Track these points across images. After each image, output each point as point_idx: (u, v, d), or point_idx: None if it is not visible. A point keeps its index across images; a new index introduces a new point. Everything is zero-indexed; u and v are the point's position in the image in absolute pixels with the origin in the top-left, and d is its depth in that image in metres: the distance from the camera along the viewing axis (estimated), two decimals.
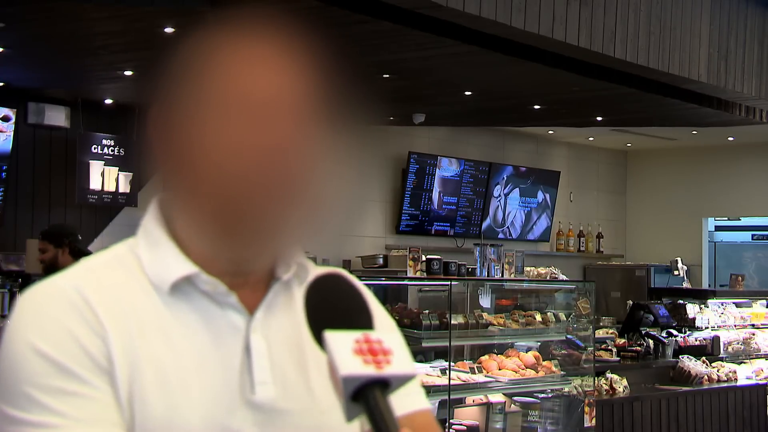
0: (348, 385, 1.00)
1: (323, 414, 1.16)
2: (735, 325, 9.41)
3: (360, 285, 1.18)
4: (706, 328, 9.17)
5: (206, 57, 1.14)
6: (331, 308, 1.08)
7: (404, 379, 1.02)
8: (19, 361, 1.08)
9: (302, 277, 1.24)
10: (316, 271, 1.25)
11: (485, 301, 7.19)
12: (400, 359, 1.02)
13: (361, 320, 1.07)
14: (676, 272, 12.18)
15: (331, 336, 1.02)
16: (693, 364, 8.50)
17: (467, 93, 8.42)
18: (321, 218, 1.16)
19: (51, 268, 6.02)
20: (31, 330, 1.10)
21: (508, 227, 11.98)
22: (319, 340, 1.05)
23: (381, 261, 8.46)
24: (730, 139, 12.37)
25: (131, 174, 8.70)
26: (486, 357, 6.80)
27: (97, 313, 1.11)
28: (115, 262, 1.19)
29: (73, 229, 6.44)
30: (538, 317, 7.02)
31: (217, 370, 1.16)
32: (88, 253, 6.12)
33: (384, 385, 1.00)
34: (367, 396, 1.00)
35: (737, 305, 9.69)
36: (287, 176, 1.12)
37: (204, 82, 1.13)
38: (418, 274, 7.17)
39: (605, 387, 7.45)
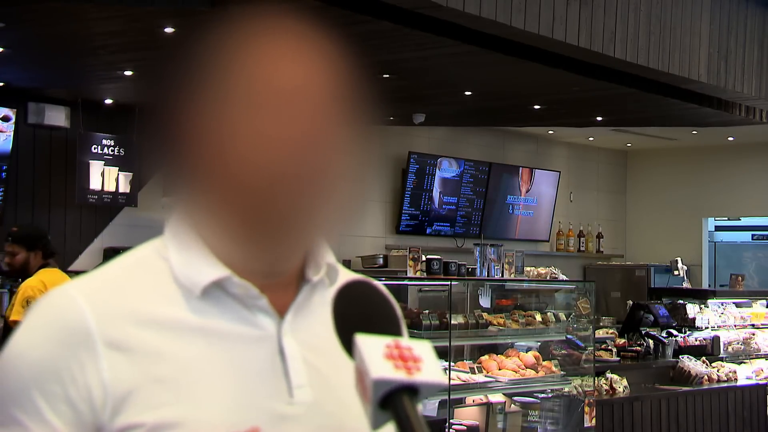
0: (378, 390, 0.98)
1: (357, 418, 1.13)
2: (735, 325, 9.41)
3: (388, 294, 1.18)
4: (706, 328, 9.17)
5: (227, 56, 1.13)
6: (360, 315, 1.06)
7: (433, 388, 1.00)
8: (5, 372, 1.11)
9: (332, 278, 1.23)
10: (345, 275, 1.24)
11: (485, 301, 7.20)
12: (430, 367, 1.00)
13: (391, 327, 1.06)
14: (676, 272, 12.18)
15: (362, 340, 1.01)
16: (693, 364, 8.50)
17: (467, 93, 8.42)
18: (346, 215, 1.15)
19: (21, 271, 6.01)
20: (20, 345, 1.11)
21: (507, 227, 11.98)
22: (348, 346, 1.03)
23: (381, 261, 8.47)
24: (730, 139, 12.37)
25: (131, 174, 8.69)
26: (486, 357, 6.81)
27: (91, 336, 1.10)
28: (140, 267, 1.18)
29: (45, 231, 6.32)
30: (538, 317, 7.02)
31: (248, 373, 1.14)
32: (56, 254, 6.15)
33: (413, 392, 0.99)
34: (395, 402, 0.98)
35: (737, 305, 9.69)
36: (317, 171, 1.11)
37: (228, 80, 1.12)
38: (418, 274, 7.17)
39: (605, 387, 7.46)
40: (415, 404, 0.99)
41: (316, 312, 1.20)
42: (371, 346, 1.00)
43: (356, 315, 1.06)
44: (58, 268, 6.15)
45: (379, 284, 1.18)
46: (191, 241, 1.17)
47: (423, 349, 1.02)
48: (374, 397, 0.98)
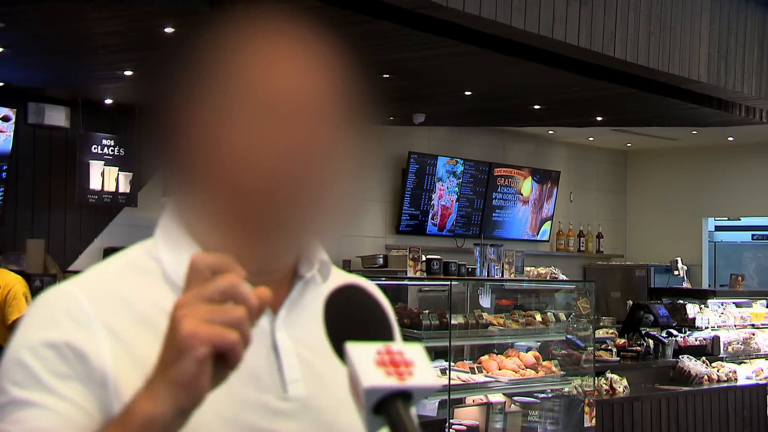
0: (370, 397, 0.98)
1: (351, 413, 1.13)
2: (735, 325, 9.41)
3: (380, 296, 1.18)
4: (706, 328, 9.17)
5: (226, 56, 1.13)
6: (350, 321, 1.07)
7: (426, 391, 1.00)
8: (4, 362, 1.11)
9: (324, 274, 1.23)
10: (337, 273, 1.25)
11: (485, 301, 7.19)
12: (422, 371, 1.00)
13: (382, 332, 1.06)
14: (676, 272, 12.17)
15: (352, 347, 1.01)
16: (693, 364, 8.50)
17: (467, 93, 8.42)
18: (341, 215, 1.16)
19: None
20: (20, 337, 1.12)
21: (507, 227, 11.98)
22: (340, 352, 1.04)
23: (381, 261, 8.47)
24: (730, 139, 12.37)
25: (131, 174, 8.69)
26: (486, 357, 6.81)
27: (90, 321, 1.11)
28: (131, 268, 1.18)
29: None
30: (538, 317, 7.02)
31: (241, 369, 1.13)
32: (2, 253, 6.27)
33: (406, 396, 0.99)
34: (389, 408, 0.98)
35: (737, 305, 9.69)
36: (315, 173, 1.12)
37: (227, 81, 1.12)
38: (418, 274, 7.17)
39: (605, 387, 7.45)
40: (409, 408, 0.99)
41: (309, 308, 1.21)
42: (362, 353, 1.00)
43: (347, 321, 1.07)
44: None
45: (370, 286, 1.18)
46: (183, 239, 1.18)
47: (414, 352, 1.02)
48: (367, 404, 0.99)
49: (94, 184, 8.51)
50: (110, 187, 8.60)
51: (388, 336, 1.06)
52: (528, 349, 7.13)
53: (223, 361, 0.97)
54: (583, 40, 6.80)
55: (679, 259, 12.35)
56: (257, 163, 1.11)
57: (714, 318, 9.26)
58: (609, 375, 7.58)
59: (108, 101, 8.53)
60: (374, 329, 1.06)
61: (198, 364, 0.95)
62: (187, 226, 1.19)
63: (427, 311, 6.48)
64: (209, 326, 0.96)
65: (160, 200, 8.54)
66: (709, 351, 8.98)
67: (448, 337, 6.29)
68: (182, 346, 0.95)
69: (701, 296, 9.75)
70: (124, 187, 8.69)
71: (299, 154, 1.11)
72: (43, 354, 1.09)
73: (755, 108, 9.29)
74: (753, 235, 13.73)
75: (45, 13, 5.75)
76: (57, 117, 8.35)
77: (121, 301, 1.14)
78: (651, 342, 8.62)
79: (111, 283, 1.16)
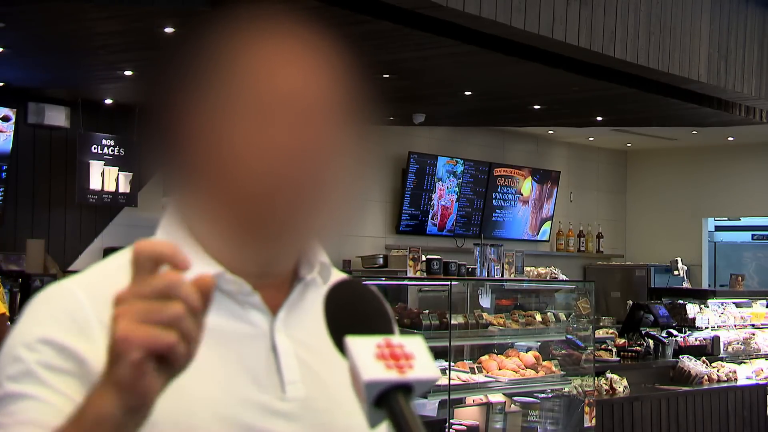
0: (371, 391, 0.98)
1: (349, 415, 1.15)
2: (735, 325, 9.41)
3: (378, 292, 1.18)
4: (706, 328, 9.18)
5: (227, 56, 1.13)
6: (350, 314, 1.07)
7: (427, 384, 1.00)
8: (1, 357, 1.12)
9: (325, 277, 1.23)
10: (337, 275, 1.25)
11: (485, 301, 7.20)
12: (422, 363, 1.00)
13: (382, 325, 1.06)
14: (676, 272, 12.18)
15: (352, 341, 1.01)
16: (693, 364, 8.50)
17: (467, 93, 8.42)
18: (342, 217, 1.16)
19: None
20: (17, 334, 1.12)
21: (507, 227, 11.98)
22: (340, 346, 1.04)
23: (381, 261, 8.46)
24: (730, 139, 12.37)
25: (131, 174, 8.69)
26: (486, 357, 6.81)
27: (89, 322, 1.11)
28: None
29: None
30: (538, 317, 7.03)
31: (240, 369, 1.15)
32: None
33: (407, 389, 0.99)
34: (390, 401, 0.98)
35: (737, 305, 9.69)
36: (315, 175, 1.12)
37: (227, 82, 1.12)
38: (418, 274, 7.17)
39: (605, 387, 7.46)
40: (410, 401, 0.99)
41: (309, 310, 1.21)
42: (362, 347, 1.00)
43: (347, 315, 1.06)
44: None
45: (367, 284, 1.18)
46: (184, 240, 1.18)
47: (415, 345, 1.02)
48: (368, 397, 0.99)
49: (94, 184, 8.51)
50: (110, 187, 8.60)
51: (388, 329, 1.06)
52: (528, 349, 7.13)
53: (167, 360, 0.93)
54: (583, 40, 6.80)
55: (679, 259, 12.35)
56: (258, 164, 1.10)
57: (714, 318, 9.26)
58: (609, 375, 7.58)
59: (108, 101, 8.53)
60: (374, 322, 1.06)
61: (134, 367, 0.91)
62: (188, 227, 1.19)
63: (427, 311, 6.48)
64: (143, 328, 0.91)
65: (160, 200, 8.53)
66: (709, 351, 8.98)
67: (448, 337, 6.29)
68: (117, 349, 0.92)
69: (701, 296, 9.75)
70: (124, 187, 8.69)
71: (301, 155, 1.11)
72: (39, 349, 1.09)
73: (755, 108, 9.29)
74: (753, 235, 13.73)
75: (45, 13, 5.75)
76: (57, 117, 8.34)
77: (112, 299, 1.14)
78: (651, 342, 8.62)
79: (111, 279, 1.16)
